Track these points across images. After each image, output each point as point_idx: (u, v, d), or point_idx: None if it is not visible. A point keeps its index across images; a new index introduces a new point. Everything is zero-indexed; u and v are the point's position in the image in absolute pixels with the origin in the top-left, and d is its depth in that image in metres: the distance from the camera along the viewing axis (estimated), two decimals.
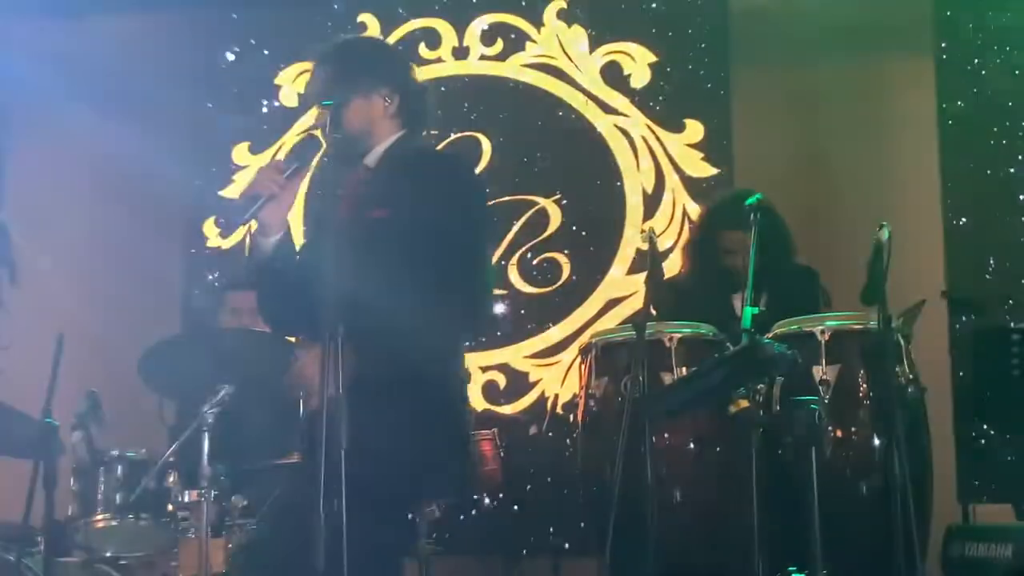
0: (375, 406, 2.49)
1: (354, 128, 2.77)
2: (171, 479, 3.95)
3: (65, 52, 5.91)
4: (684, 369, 3.82)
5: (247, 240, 2.71)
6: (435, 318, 2.60)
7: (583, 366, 4.06)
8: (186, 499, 3.74)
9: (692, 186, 5.47)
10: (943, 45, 5.46)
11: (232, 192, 5.78)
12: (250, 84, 5.90)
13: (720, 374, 2.86)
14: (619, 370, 3.83)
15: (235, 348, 3.72)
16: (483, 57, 5.76)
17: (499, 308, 5.40)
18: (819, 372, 3.59)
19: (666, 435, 3.81)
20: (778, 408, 3.62)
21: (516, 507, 5.06)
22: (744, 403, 2.92)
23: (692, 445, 3.84)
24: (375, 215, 2.70)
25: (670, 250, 5.33)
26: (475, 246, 2.73)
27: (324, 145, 2.74)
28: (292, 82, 5.84)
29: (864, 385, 3.61)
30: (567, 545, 5.00)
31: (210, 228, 5.73)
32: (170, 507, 3.84)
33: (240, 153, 5.82)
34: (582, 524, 4.85)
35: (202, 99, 5.92)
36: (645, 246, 5.22)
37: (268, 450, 4.33)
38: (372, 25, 5.83)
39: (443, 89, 5.65)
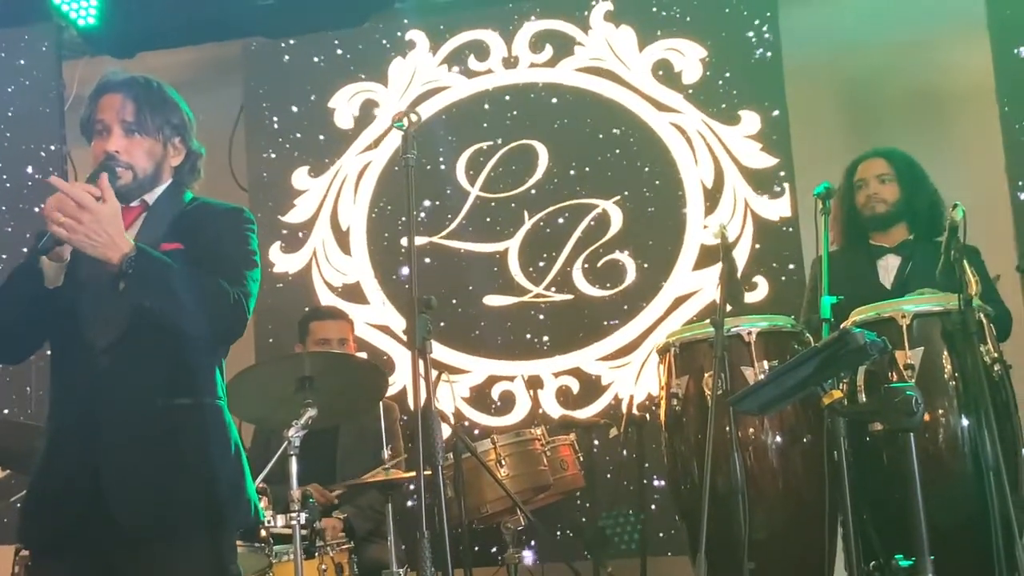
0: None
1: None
2: (261, 504, 4.00)
3: None
4: (765, 363, 3.83)
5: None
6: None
7: (661, 366, 4.07)
8: (278, 524, 3.78)
9: (752, 177, 5.45)
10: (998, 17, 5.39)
11: (294, 217, 5.84)
12: (304, 107, 5.95)
13: (810, 367, 2.84)
14: (700, 368, 3.85)
15: (319, 372, 3.78)
16: (533, 65, 5.77)
17: None
18: (903, 357, 3.57)
19: (751, 429, 3.82)
20: (864, 395, 3.62)
21: (599, 510, 5.07)
22: (837, 394, 2.90)
23: (779, 438, 3.84)
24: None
25: (736, 242, 5.31)
26: None
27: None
28: (347, 103, 5.88)
29: (948, 367, 3.58)
30: (655, 544, 4.99)
31: (276, 254, 5.79)
32: (263, 532, 3.87)
33: (300, 177, 5.87)
34: (670, 522, 4.88)
35: (257, 125, 5.97)
36: (712, 241, 5.27)
37: (355, 470, 4.40)
38: (420, 41, 5.86)
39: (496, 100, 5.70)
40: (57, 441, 2.68)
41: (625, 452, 4.90)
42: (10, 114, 6.07)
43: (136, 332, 2.61)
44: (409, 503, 5.16)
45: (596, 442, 5.12)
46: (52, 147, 6.00)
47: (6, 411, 5.58)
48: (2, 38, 6.12)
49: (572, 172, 5.63)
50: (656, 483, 4.95)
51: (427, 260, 5.61)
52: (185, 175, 2.84)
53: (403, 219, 5.61)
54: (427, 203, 5.70)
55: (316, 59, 5.97)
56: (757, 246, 5.39)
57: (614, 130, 5.62)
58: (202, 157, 2.88)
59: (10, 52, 6.11)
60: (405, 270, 5.52)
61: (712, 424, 3.68)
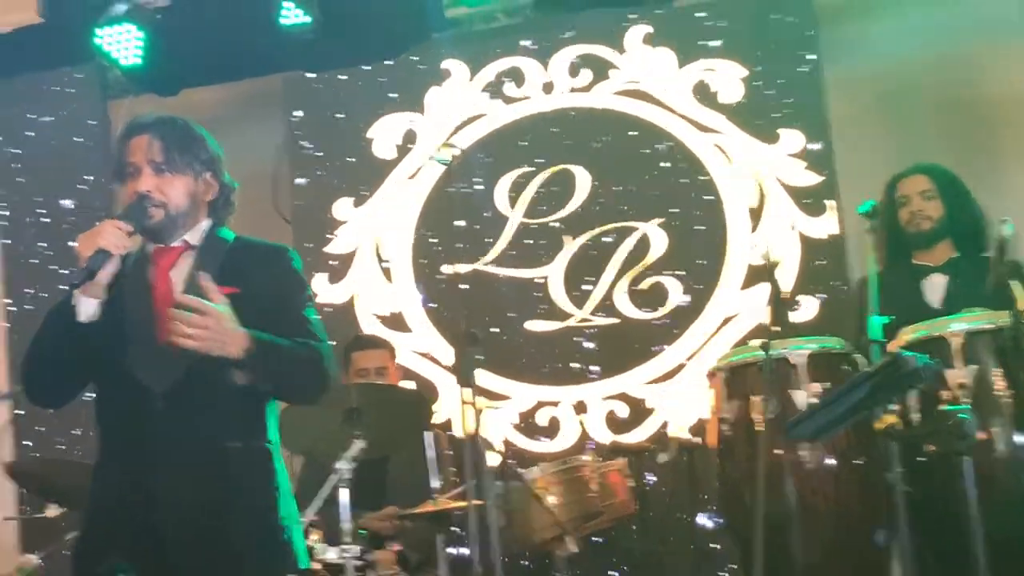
0: None
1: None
2: (314, 537, 4.01)
3: None
4: (815, 386, 3.79)
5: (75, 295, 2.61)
6: None
7: (711, 390, 4.05)
8: (331, 556, 3.79)
9: (797, 196, 5.41)
10: None
11: (336, 248, 5.87)
12: (344, 138, 5.98)
13: (863, 392, 2.81)
14: (749, 392, 3.81)
15: (365, 403, 3.78)
16: (571, 89, 5.78)
17: None
18: (955, 376, 3.52)
19: (803, 452, 3.78)
20: (918, 417, 3.57)
21: (651, 535, 5.03)
22: (891, 419, 2.87)
23: (832, 461, 3.80)
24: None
25: (782, 261, 5.26)
26: None
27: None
28: (386, 133, 5.92)
29: (1001, 384, 3.53)
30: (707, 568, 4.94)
31: (320, 284, 5.82)
32: (315, 566, 3.87)
33: (341, 208, 5.91)
34: (720, 546, 4.83)
35: (299, 157, 6.02)
36: (758, 262, 5.24)
37: (405, 501, 4.39)
38: (458, 70, 5.89)
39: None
40: (111, 483, 2.70)
41: (675, 477, 4.86)
42: (52, 146, 6.16)
43: (193, 377, 2.64)
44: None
45: (646, 467, 5.07)
46: (90, 177, 6.07)
47: (61, 447, 5.66)
48: (49, 78, 6.23)
49: (613, 195, 5.62)
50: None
51: (466, 287, 5.61)
52: (220, 211, 2.87)
53: (441, 246, 5.66)
54: (467, 230, 5.71)
55: (355, 90, 6.02)
56: (804, 265, 5.34)
57: (654, 152, 5.61)
58: (235, 191, 2.91)
59: (56, 92, 6.21)
60: (418, 297, 5.52)
61: (763, 448, 3.65)
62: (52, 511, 4.40)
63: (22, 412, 5.78)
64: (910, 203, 4.29)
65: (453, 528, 4.80)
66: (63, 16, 6.13)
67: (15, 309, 6.08)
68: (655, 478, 5.16)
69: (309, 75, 6.11)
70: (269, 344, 2.60)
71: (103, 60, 6.08)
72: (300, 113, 6.09)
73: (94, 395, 2.81)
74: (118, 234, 2.59)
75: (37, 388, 2.82)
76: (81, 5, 6.06)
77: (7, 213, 6.25)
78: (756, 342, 4.60)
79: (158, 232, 2.75)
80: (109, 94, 6.31)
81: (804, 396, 3.78)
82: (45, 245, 6.09)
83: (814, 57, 5.49)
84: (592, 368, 5.50)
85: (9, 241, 6.21)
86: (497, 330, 5.58)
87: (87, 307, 2.63)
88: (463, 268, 5.52)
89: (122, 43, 5.96)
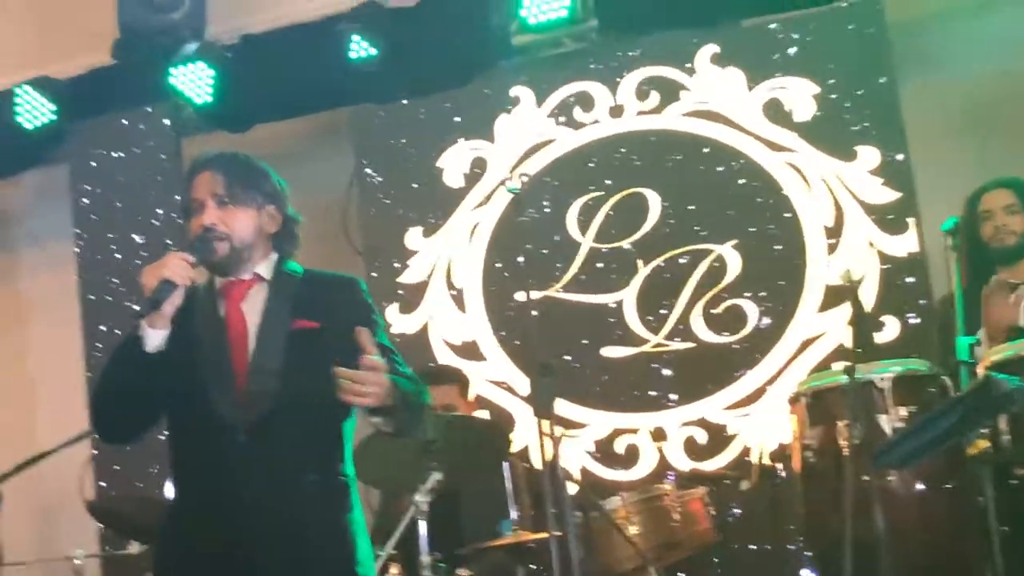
0: None
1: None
2: (393, 572, 3.98)
3: None
4: (901, 410, 3.70)
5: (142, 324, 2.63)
6: None
7: (793, 416, 3.96)
8: None
9: (874, 213, 5.29)
10: None
11: (408, 278, 5.87)
12: (412, 168, 5.99)
13: (953, 417, 2.71)
14: (833, 417, 3.73)
15: (441, 435, 3.75)
16: (639, 112, 5.73)
17: None
18: None
19: (891, 478, 3.68)
20: (1007, 438, 3.45)
21: (734, 565, 4.93)
22: (983, 443, 2.77)
23: (921, 486, 3.69)
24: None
25: (862, 281, 5.15)
26: None
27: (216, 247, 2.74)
28: (456, 162, 5.91)
29: None
30: None
31: (393, 315, 5.82)
32: None
33: (413, 238, 5.91)
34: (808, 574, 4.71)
35: (369, 189, 6.04)
36: (836, 283, 5.13)
37: (483, 532, 4.35)
38: (526, 96, 5.87)
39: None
40: (190, 518, 2.71)
41: (758, 505, 4.76)
42: (126, 183, 6.26)
43: (275, 411, 2.65)
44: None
45: (727, 495, 4.97)
46: (160, 211, 6.15)
47: (140, 484, 5.70)
48: (123, 118, 6.33)
49: (685, 218, 5.55)
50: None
51: (538, 314, 5.53)
52: (285, 244, 2.89)
53: (511, 273, 5.62)
54: (538, 256, 5.67)
55: (423, 120, 6.02)
56: (883, 285, 5.22)
57: (727, 173, 5.52)
58: (299, 223, 2.93)
59: (130, 130, 6.30)
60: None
61: (849, 474, 3.56)
62: (134, 548, 4.44)
63: (97, 452, 5.83)
64: (993, 218, 4.19)
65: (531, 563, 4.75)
66: (135, 57, 6.23)
67: (89, 346, 6.16)
68: (737, 507, 5.05)
69: (376, 107, 6.13)
70: (401, 388, 2.60)
71: (177, 99, 6.17)
72: (368, 145, 6.10)
73: (167, 431, 2.82)
74: (182, 265, 2.62)
75: (106, 423, 2.83)
76: (152, 45, 6.16)
77: (77, 250, 6.34)
78: (839, 366, 4.52)
79: (224, 266, 2.78)
80: (182, 132, 6.39)
81: (890, 420, 3.70)
82: (118, 282, 6.16)
83: (889, 71, 5.38)
84: (670, 394, 5.41)
85: (83, 278, 6.30)
86: (569, 358, 5.52)
87: (154, 338, 2.64)
88: (534, 295, 5.48)
89: (194, 81, 6.05)
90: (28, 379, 6.84)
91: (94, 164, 6.36)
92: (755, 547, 5.02)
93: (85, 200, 6.35)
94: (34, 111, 6.29)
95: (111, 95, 6.33)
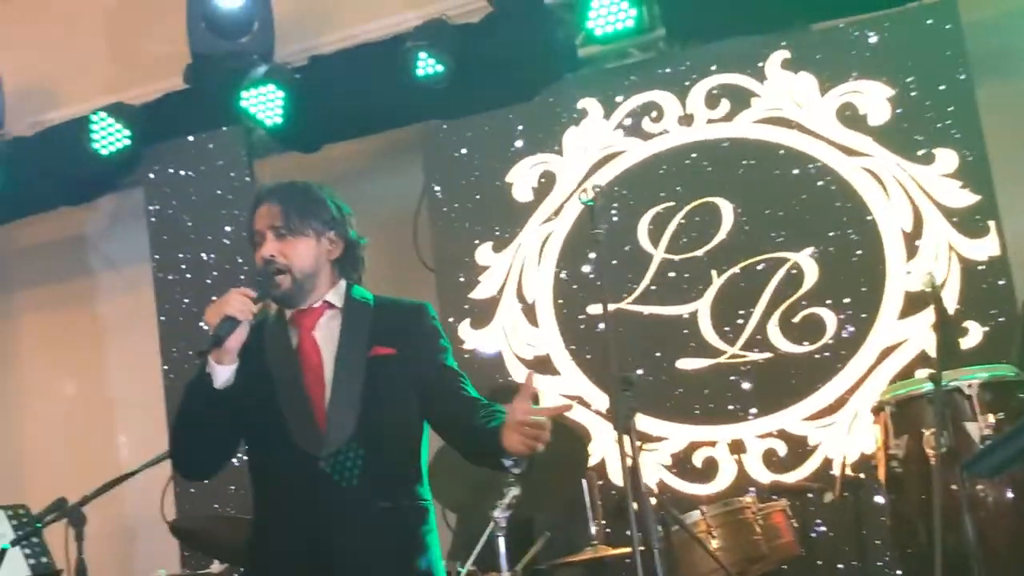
0: None
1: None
2: None
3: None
4: (989, 417, 3.61)
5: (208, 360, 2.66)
6: None
7: (877, 425, 3.88)
8: None
9: (953, 217, 5.17)
10: None
11: (480, 293, 5.86)
12: (481, 184, 5.99)
13: None
14: (919, 426, 3.65)
15: None
16: (710, 121, 5.66)
17: None
18: None
19: (981, 487, 3.59)
20: None
21: None
22: None
23: (1010, 494, 3.59)
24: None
25: (943, 286, 5.03)
26: None
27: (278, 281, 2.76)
28: (524, 176, 5.90)
29: None
30: None
31: (465, 331, 5.81)
32: None
33: (483, 253, 5.90)
34: None
35: (439, 205, 6.04)
36: (916, 287, 5.02)
37: (561, 548, 4.31)
38: (594, 109, 5.84)
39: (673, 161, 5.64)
40: (273, 543, 2.72)
41: (842, 516, 4.66)
42: (198, 204, 6.34)
43: (355, 437, 2.67)
44: None
45: (810, 507, 4.87)
46: (229, 228, 6.21)
47: (216, 506, 5.75)
48: (195, 141, 6.41)
49: (759, 226, 5.46)
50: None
51: (610, 326, 5.48)
52: (348, 269, 2.90)
53: (583, 287, 5.59)
54: (609, 268, 5.61)
55: (491, 135, 6.02)
56: (964, 290, 5.09)
57: (801, 180, 5.43)
58: (362, 247, 2.94)
59: (203, 153, 6.39)
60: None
61: (938, 484, 3.48)
62: (215, 568, 4.47)
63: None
64: None
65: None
66: (207, 81, 6.32)
67: (167, 366, 6.23)
68: (821, 520, 4.94)
69: (444, 123, 6.14)
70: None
71: (248, 121, 6.24)
72: (437, 161, 6.11)
73: (246, 456, 2.84)
74: (243, 301, 2.65)
75: (184, 460, 2.88)
76: (223, 69, 6.24)
77: (153, 272, 6.43)
78: (922, 373, 4.43)
79: (288, 298, 2.81)
80: (253, 154, 6.45)
81: (978, 428, 3.61)
82: (189, 301, 6.24)
83: (964, 72, 5.26)
84: (747, 406, 5.32)
85: (160, 299, 6.39)
86: (642, 371, 5.45)
87: (221, 374, 2.67)
88: (605, 307, 5.42)
89: (264, 104, 6.12)
90: (107, 401, 6.95)
91: (167, 187, 6.46)
92: (842, 565, 4.92)
93: (159, 222, 6.44)
94: (109, 137, 6.40)
95: (184, 119, 6.43)
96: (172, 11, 6.32)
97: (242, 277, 5.93)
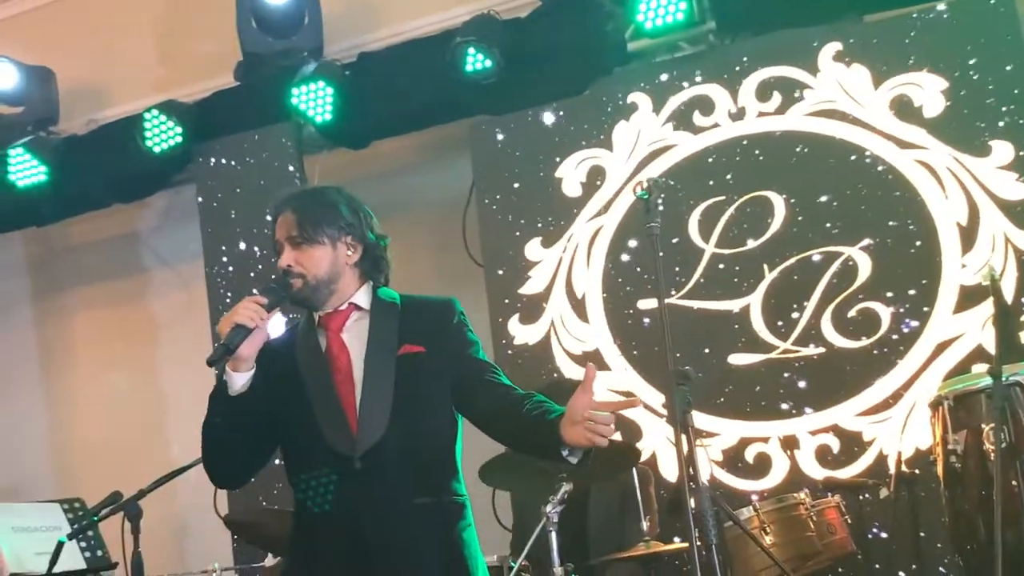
0: None
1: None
2: None
3: (351, 175, 6.28)
4: None
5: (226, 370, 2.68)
6: None
7: (934, 420, 3.83)
8: None
9: (1011, 211, 5.09)
10: None
11: (529, 289, 5.85)
12: (530, 179, 5.98)
13: None
14: (978, 421, 3.59)
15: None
16: (761, 114, 5.61)
17: None
18: None
19: None
20: None
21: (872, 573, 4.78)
22: None
23: None
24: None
25: (1000, 278, 4.94)
26: None
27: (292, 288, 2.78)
28: (574, 171, 5.88)
29: None
30: None
31: (515, 326, 5.80)
32: None
33: (533, 248, 5.89)
34: None
35: (488, 200, 6.04)
36: (972, 281, 4.95)
37: (613, 543, 4.30)
38: (643, 103, 5.81)
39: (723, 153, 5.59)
40: (315, 543, 2.75)
41: (897, 512, 4.60)
42: (251, 198, 6.37)
43: (388, 435, 2.69)
44: None
45: (864, 503, 4.81)
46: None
47: (264, 501, 5.78)
48: (247, 137, 6.46)
49: (812, 220, 5.41)
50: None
51: (660, 321, 5.43)
52: (371, 270, 2.91)
53: (632, 282, 5.56)
54: (658, 263, 5.56)
55: (539, 130, 6.00)
56: (1021, 283, 5.02)
57: (854, 173, 5.37)
58: (384, 247, 2.94)
59: (254, 149, 6.43)
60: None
61: (998, 479, 3.43)
62: (269, 561, 4.50)
63: None
64: None
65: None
66: (257, 78, 6.36)
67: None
68: (876, 516, 4.88)
69: (493, 118, 6.14)
70: None
71: (298, 118, 6.27)
72: (486, 156, 6.11)
73: (283, 461, 2.86)
74: (253, 308, 2.66)
75: (214, 471, 2.87)
76: (273, 67, 6.28)
77: (205, 268, 6.49)
78: (980, 367, 4.37)
79: (305, 299, 2.82)
80: (304, 150, 6.49)
81: None
82: (230, 295, 6.30)
83: (1020, 62, 5.18)
84: (800, 401, 5.27)
85: (211, 293, 6.44)
86: (691, 366, 5.40)
87: (236, 381, 2.70)
88: (655, 303, 5.40)
89: (314, 100, 6.15)
90: (160, 396, 7.03)
91: (219, 184, 6.51)
92: (903, 573, 4.87)
93: (210, 219, 6.50)
94: (161, 134, 6.46)
95: (234, 116, 6.48)
96: (221, 10, 6.37)
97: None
